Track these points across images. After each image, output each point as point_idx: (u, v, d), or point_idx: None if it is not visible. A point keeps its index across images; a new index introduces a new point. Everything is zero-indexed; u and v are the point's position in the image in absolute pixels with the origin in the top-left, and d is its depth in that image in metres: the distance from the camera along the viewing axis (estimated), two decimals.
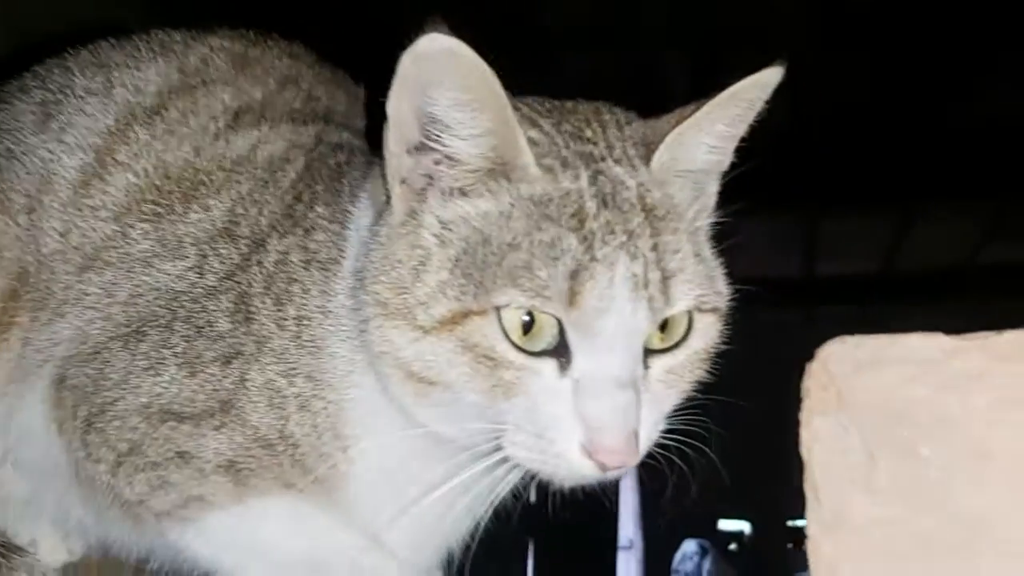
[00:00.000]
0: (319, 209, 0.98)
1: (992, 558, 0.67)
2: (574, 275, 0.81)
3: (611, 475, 0.86)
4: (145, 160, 1.03)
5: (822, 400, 0.75)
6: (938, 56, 3.19)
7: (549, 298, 0.81)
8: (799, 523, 0.70)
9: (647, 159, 0.89)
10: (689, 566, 5.38)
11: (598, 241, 0.83)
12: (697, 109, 0.89)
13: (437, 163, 0.86)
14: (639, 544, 6.45)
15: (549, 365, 0.83)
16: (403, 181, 0.87)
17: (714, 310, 0.90)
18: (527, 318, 0.83)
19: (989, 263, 4.77)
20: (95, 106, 1.07)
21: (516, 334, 0.83)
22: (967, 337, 0.71)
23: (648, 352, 0.87)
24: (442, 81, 0.82)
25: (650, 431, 0.87)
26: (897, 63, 3.26)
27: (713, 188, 0.95)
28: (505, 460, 0.85)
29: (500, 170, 0.85)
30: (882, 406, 0.72)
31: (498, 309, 0.82)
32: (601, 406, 0.82)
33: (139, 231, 1.00)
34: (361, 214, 0.95)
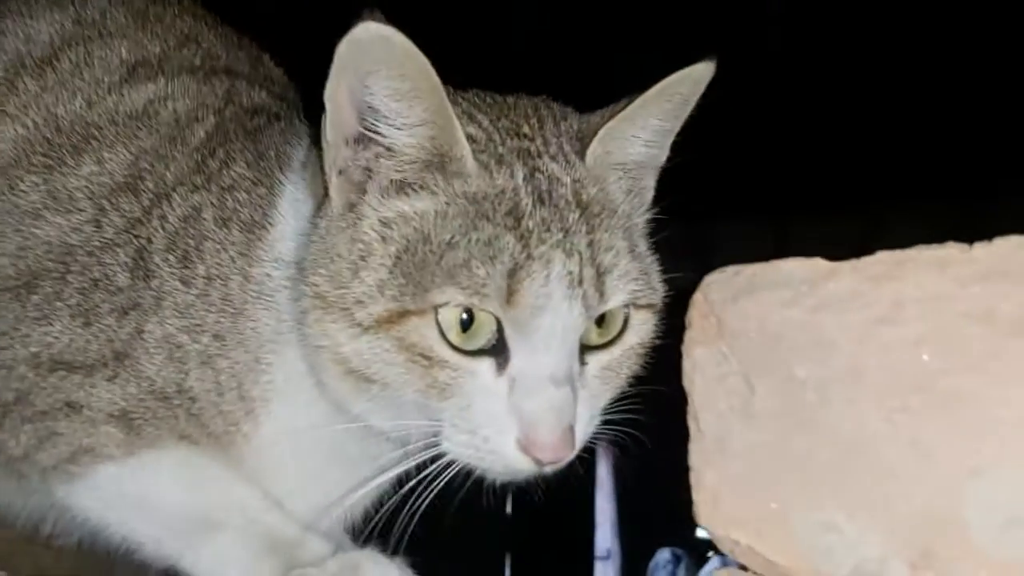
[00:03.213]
0: (238, 169, 0.97)
1: (865, 477, 0.66)
2: (512, 273, 0.82)
3: (547, 470, 0.86)
4: (34, 112, 1.01)
5: (703, 329, 0.75)
6: (909, 58, 3.22)
7: (488, 296, 0.81)
8: None
9: (582, 154, 0.90)
10: (663, 574, 5.34)
11: (535, 239, 0.83)
12: (629, 103, 0.89)
13: (377, 156, 0.85)
14: (616, 554, 6.42)
15: (486, 364, 0.84)
16: (341, 172, 0.87)
17: (649, 306, 0.90)
18: (465, 316, 0.83)
19: None
20: None
21: (454, 333, 0.83)
22: (842, 261, 0.71)
23: (585, 348, 0.87)
24: (378, 69, 0.82)
25: (586, 426, 0.88)
26: (869, 64, 3.28)
27: (650, 182, 0.96)
28: (439, 456, 0.86)
29: (438, 163, 0.85)
30: (759, 331, 0.72)
31: (436, 308, 0.82)
32: (537, 403, 0.83)
33: (28, 183, 0.99)
34: (295, 191, 0.94)
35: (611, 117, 0.90)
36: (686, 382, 0.75)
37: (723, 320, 0.73)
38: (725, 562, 0.77)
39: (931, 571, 0.64)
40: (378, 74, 0.82)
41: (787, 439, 0.70)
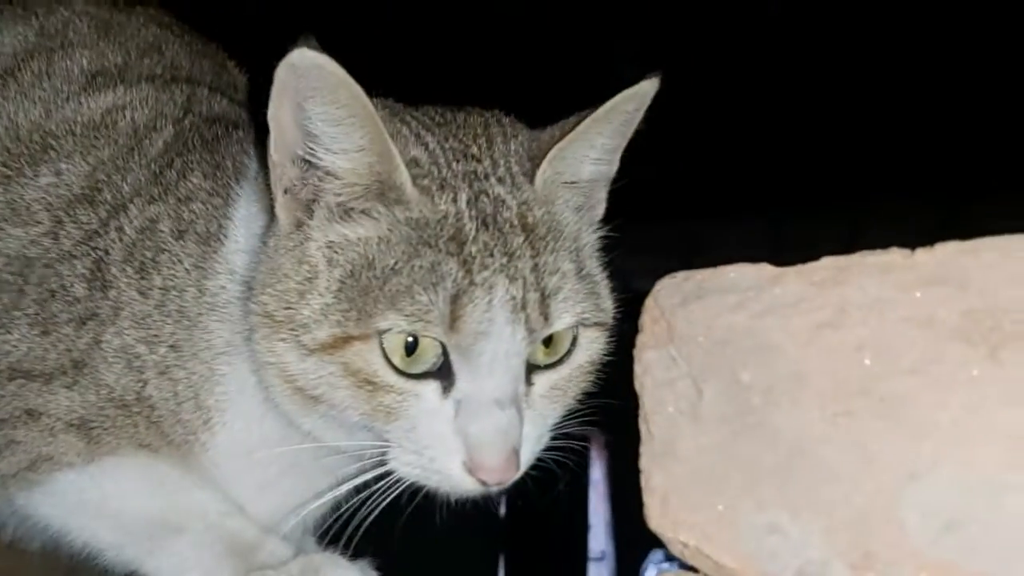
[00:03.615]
0: (195, 180, 0.98)
1: (808, 479, 0.67)
2: (455, 299, 0.82)
3: (492, 490, 0.87)
4: None
5: (653, 334, 0.76)
6: (906, 56, 3.22)
7: (431, 322, 0.82)
8: None
9: (531, 175, 0.90)
10: (655, 573, 5.37)
11: (477, 265, 0.83)
12: (578, 123, 0.89)
13: (319, 179, 0.86)
14: (610, 555, 6.43)
15: (431, 387, 0.84)
16: (287, 191, 0.87)
17: (598, 324, 0.91)
18: (411, 340, 0.83)
19: None
20: None
21: (398, 356, 0.83)
22: (787, 267, 0.72)
23: (532, 368, 0.88)
24: (313, 96, 0.82)
25: (533, 446, 0.89)
26: (862, 62, 3.28)
27: (602, 195, 0.96)
28: (389, 473, 0.86)
29: (377, 190, 0.85)
30: (707, 336, 0.73)
31: (380, 333, 0.83)
32: (482, 427, 0.84)
33: None
34: (249, 204, 0.95)
35: (561, 138, 0.90)
36: (637, 385, 0.75)
37: (673, 324, 0.74)
38: (668, 556, 0.78)
39: (872, 572, 0.64)
40: (313, 100, 0.82)
41: (733, 442, 0.70)
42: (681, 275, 0.75)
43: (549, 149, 0.89)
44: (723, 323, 0.72)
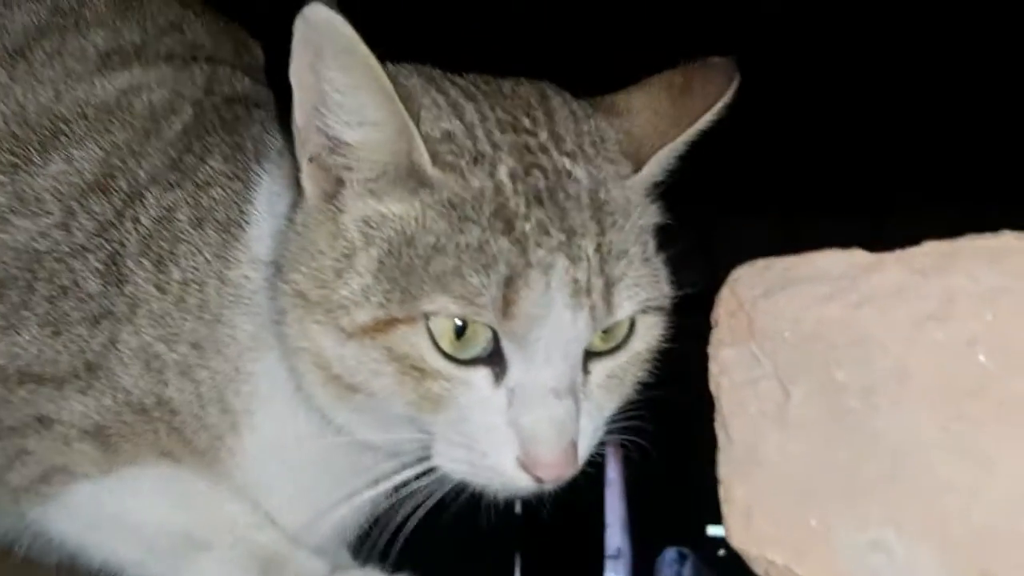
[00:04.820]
0: (214, 163, 0.91)
1: (917, 491, 0.60)
2: (508, 282, 0.75)
3: (547, 487, 0.81)
4: (3, 105, 0.95)
5: (731, 329, 0.68)
6: (916, 58, 3.16)
7: (482, 307, 0.75)
8: None
9: (612, 160, 0.84)
10: (669, 573, 5.32)
11: (531, 243, 0.76)
12: (685, 125, 0.86)
13: (341, 151, 0.79)
14: (627, 553, 6.38)
15: (482, 374, 0.78)
16: (312, 159, 0.80)
17: (659, 309, 0.85)
18: (459, 322, 0.76)
19: None
20: None
21: (446, 340, 0.77)
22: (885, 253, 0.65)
23: (588, 355, 0.81)
24: (324, 56, 0.75)
25: (590, 440, 0.82)
26: (872, 61, 3.22)
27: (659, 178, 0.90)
28: (433, 470, 0.80)
29: (396, 171, 0.78)
30: (794, 330, 0.65)
31: (427, 316, 0.76)
32: (538, 418, 0.77)
33: None
34: (272, 183, 0.88)
35: (671, 140, 0.86)
36: (713, 386, 0.68)
37: (754, 318, 0.67)
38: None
39: None
40: (325, 62, 0.76)
41: (828, 449, 0.63)
42: (761, 263, 0.68)
43: (652, 147, 0.85)
44: (813, 316, 0.64)
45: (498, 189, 0.78)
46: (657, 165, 0.86)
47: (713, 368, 0.68)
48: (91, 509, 0.87)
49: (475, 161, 0.79)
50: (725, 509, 0.67)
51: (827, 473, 0.63)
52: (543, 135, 0.82)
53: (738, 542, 0.66)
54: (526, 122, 0.83)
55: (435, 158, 0.78)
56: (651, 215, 0.86)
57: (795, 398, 0.65)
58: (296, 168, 0.82)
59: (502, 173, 0.79)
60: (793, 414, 0.64)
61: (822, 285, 0.64)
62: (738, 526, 0.66)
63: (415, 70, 0.85)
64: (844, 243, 0.65)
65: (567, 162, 0.81)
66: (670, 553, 6.25)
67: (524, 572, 5.20)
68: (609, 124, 0.87)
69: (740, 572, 0.65)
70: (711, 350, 0.69)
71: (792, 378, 0.65)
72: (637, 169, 0.85)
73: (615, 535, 6.75)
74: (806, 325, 0.65)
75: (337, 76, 0.76)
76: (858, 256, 0.64)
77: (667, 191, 0.89)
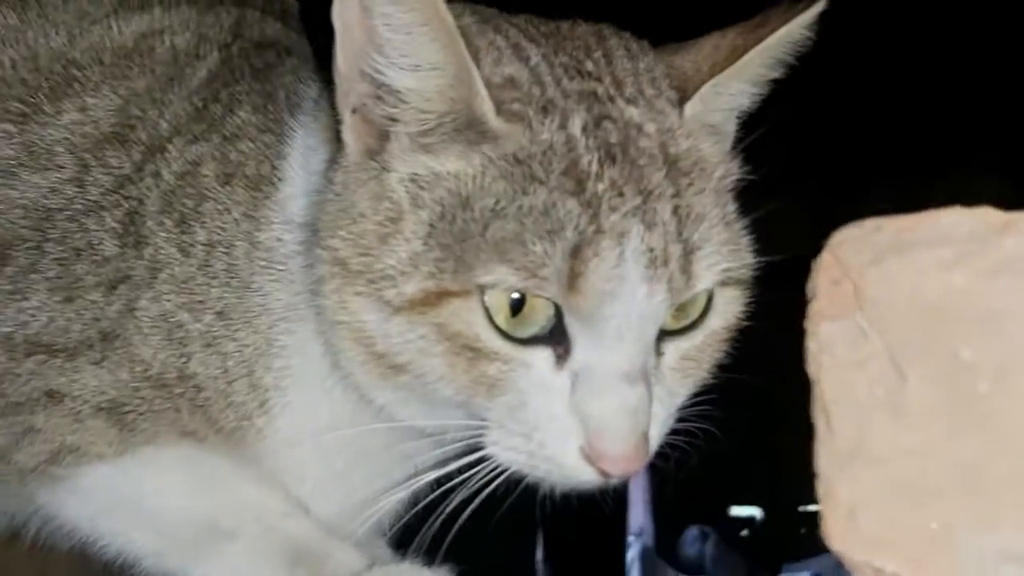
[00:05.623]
0: (243, 115, 0.84)
1: None
2: (576, 251, 0.68)
3: (613, 482, 0.74)
4: (13, 49, 0.88)
5: (834, 300, 0.59)
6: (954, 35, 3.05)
7: (546, 279, 0.68)
8: (811, 508, 0.60)
9: (674, 102, 0.76)
10: (691, 551, 5.33)
11: (604, 206, 0.69)
12: (741, 54, 0.75)
13: (391, 101, 0.72)
14: (650, 531, 6.38)
15: (543, 355, 0.71)
16: (355, 111, 0.73)
17: (739, 282, 0.77)
18: (516, 296, 0.69)
19: None
20: None
21: (502, 316, 0.69)
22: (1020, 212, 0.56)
23: (660, 334, 0.73)
24: None
25: (660, 429, 0.75)
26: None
27: (731, 128, 0.81)
28: (483, 460, 0.73)
29: (455, 121, 0.71)
30: (911, 302, 0.57)
31: (482, 288, 0.69)
32: (607, 406, 0.70)
33: (0, 134, 0.86)
34: (307, 137, 0.81)
35: (717, 70, 0.76)
36: (811, 367, 0.59)
37: (861, 287, 0.58)
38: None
39: None
40: None
41: (950, 440, 0.55)
42: (870, 223, 0.59)
43: (702, 80, 0.75)
44: (934, 285, 0.56)
45: (569, 143, 0.70)
46: (703, 103, 0.77)
47: (811, 345, 0.60)
48: (105, 493, 0.81)
49: (544, 111, 0.72)
50: (824, 508, 0.58)
51: (950, 469, 0.55)
52: (607, 81, 0.75)
53: (839, 545, 0.58)
54: (590, 66, 0.75)
55: (499, 107, 0.71)
56: (728, 173, 0.78)
57: (911, 381, 0.56)
58: (335, 120, 0.75)
59: (574, 125, 0.71)
60: (910, 400, 0.56)
61: (945, 249, 0.56)
62: (840, 527, 0.57)
63: (467, 8, 0.77)
64: (971, 201, 0.56)
65: (635, 112, 0.73)
66: (692, 531, 6.29)
67: (547, 549, 5.19)
68: (656, 60, 0.79)
69: (764, 552, 0.58)
70: (808, 325, 0.60)
71: (908, 357, 0.56)
72: (676, 99, 0.76)
73: (638, 514, 6.75)
74: (925, 296, 0.56)
75: (393, 11, 0.68)
76: (989, 215, 0.56)
77: (752, 146, 0.80)
